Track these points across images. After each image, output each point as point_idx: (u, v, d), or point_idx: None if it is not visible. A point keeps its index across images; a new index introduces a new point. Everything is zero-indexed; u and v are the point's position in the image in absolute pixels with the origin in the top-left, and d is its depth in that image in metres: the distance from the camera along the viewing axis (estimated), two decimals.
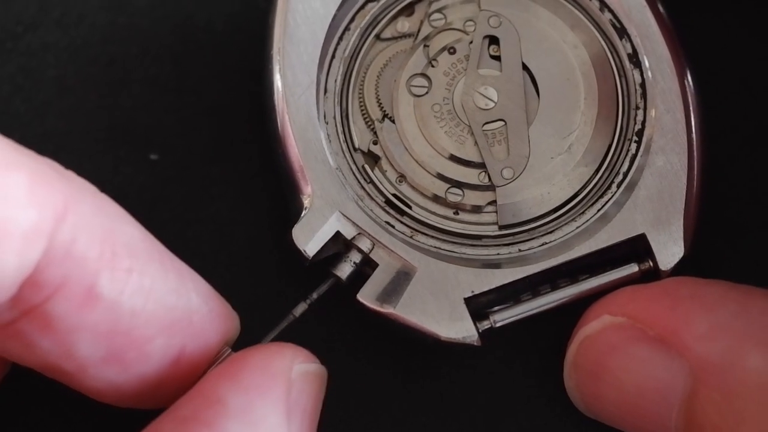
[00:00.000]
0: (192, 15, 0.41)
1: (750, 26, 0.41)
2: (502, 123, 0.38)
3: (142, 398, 0.35)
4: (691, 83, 0.38)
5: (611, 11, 0.39)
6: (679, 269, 0.37)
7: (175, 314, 0.34)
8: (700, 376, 0.30)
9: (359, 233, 0.37)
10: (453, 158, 0.38)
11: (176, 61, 0.41)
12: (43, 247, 0.31)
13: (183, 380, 0.35)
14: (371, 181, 0.38)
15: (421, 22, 0.39)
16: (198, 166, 0.38)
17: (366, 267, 0.37)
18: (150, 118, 0.39)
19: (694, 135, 0.38)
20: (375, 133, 0.39)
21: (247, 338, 0.36)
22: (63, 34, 0.41)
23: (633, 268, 0.37)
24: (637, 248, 0.37)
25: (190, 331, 0.34)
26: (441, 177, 0.38)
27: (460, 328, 0.36)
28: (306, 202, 0.37)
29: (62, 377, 0.34)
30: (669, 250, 0.37)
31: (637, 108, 0.38)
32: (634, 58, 0.39)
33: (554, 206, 0.38)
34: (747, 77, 0.41)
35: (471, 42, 0.39)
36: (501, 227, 0.38)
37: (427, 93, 0.39)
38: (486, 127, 0.38)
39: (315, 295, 0.37)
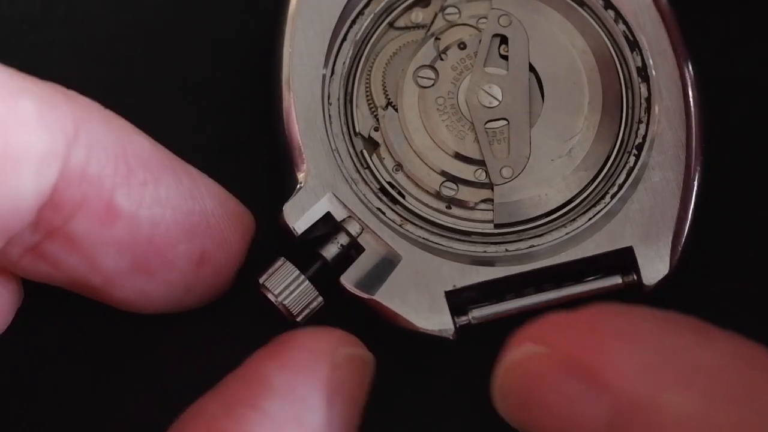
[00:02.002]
0: (197, 14, 0.41)
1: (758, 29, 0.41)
2: (505, 122, 0.38)
3: (171, 303, 0.36)
4: (697, 103, 0.38)
5: (626, 23, 0.39)
6: (664, 285, 0.37)
7: (193, 219, 0.35)
8: (621, 412, 0.30)
9: (349, 216, 0.37)
10: (451, 153, 0.38)
11: (181, 60, 0.41)
12: (58, 170, 0.32)
13: (208, 281, 0.36)
14: (368, 167, 0.38)
15: (435, 15, 0.40)
16: (203, 164, 0.39)
17: (353, 251, 0.37)
18: (154, 117, 0.40)
19: (693, 156, 0.38)
20: (377, 119, 0.39)
21: (252, 329, 0.37)
22: (67, 33, 0.41)
23: (617, 280, 0.37)
24: (624, 261, 0.37)
25: (209, 233, 0.36)
26: (437, 170, 0.38)
27: (438, 321, 0.37)
28: (300, 179, 0.37)
29: (90, 291, 0.36)
30: (654, 266, 0.37)
31: (640, 122, 0.38)
32: (643, 72, 0.39)
33: (550, 209, 0.38)
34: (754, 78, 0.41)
35: (480, 39, 0.39)
36: (495, 226, 0.38)
37: (433, 85, 0.39)
38: (488, 125, 0.38)
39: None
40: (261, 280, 0.36)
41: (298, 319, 0.36)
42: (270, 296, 0.36)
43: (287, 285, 0.36)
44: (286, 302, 0.36)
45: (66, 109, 0.33)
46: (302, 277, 0.37)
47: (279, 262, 0.37)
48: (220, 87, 0.41)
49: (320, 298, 0.37)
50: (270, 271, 0.37)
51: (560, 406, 0.31)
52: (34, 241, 0.33)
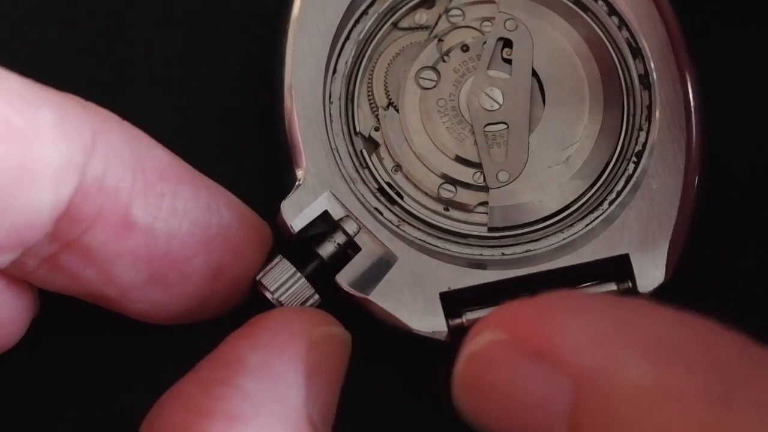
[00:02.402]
0: (198, 15, 0.41)
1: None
2: (504, 126, 0.38)
3: (187, 315, 0.36)
4: (698, 111, 0.38)
5: (629, 30, 0.39)
6: (659, 294, 0.37)
7: (211, 232, 0.35)
8: (580, 389, 0.30)
9: (347, 215, 0.37)
10: (450, 155, 0.38)
11: (182, 61, 0.41)
12: (76, 182, 0.32)
13: (224, 293, 0.36)
14: (367, 167, 0.38)
15: (440, 16, 0.40)
16: (203, 166, 0.39)
17: (349, 250, 0.37)
18: (155, 119, 0.40)
19: (692, 164, 0.38)
20: (378, 119, 0.39)
21: None
22: (69, 34, 0.41)
23: (611, 287, 0.37)
24: (619, 268, 0.37)
25: (226, 246, 0.35)
26: (436, 172, 0.38)
27: (431, 323, 0.37)
28: (299, 176, 0.37)
29: (106, 303, 0.35)
30: (650, 274, 0.37)
31: (641, 129, 0.38)
32: (645, 80, 0.39)
33: (544, 215, 0.38)
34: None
35: (485, 42, 0.39)
36: (489, 229, 0.38)
37: (434, 87, 0.39)
38: (488, 128, 0.38)
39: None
40: (258, 277, 0.36)
41: None
42: (267, 294, 0.36)
43: (283, 282, 0.36)
44: (282, 299, 0.36)
45: (84, 120, 0.33)
46: (299, 274, 0.37)
47: (276, 260, 0.37)
48: (220, 88, 0.41)
49: (316, 296, 0.37)
50: (267, 268, 0.37)
51: (519, 389, 0.30)
52: (50, 252, 0.33)
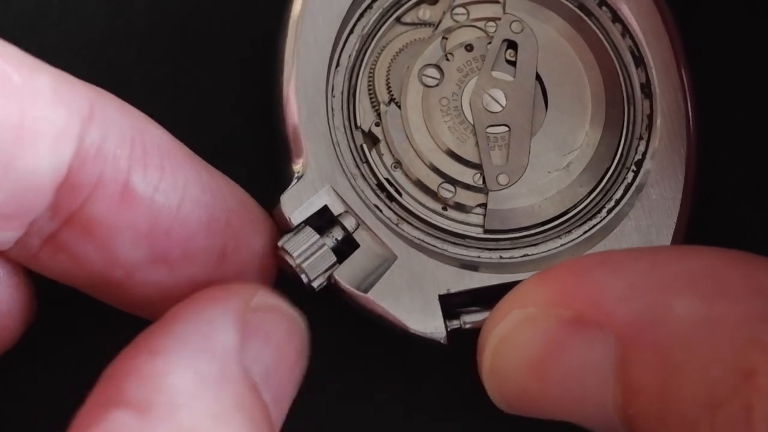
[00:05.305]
0: (191, 17, 0.41)
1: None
2: (506, 129, 0.38)
3: None
4: (699, 123, 0.38)
5: (632, 38, 0.39)
6: None
7: (213, 213, 0.34)
8: (628, 341, 0.29)
9: (346, 211, 0.37)
10: (451, 154, 0.38)
11: (175, 63, 0.40)
12: (74, 147, 0.32)
13: (230, 282, 0.35)
14: (366, 161, 0.38)
15: (444, 14, 0.39)
16: None
17: (347, 247, 0.37)
18: None
19: (692, 175, 0.38)
20: (379, 115, 0.38)
21: None
22: (61, 38, 0.40)
23: None
24: None
25: (229, 230, 0.35)
26: (436, 171, 0.38)
27: (430, 324, 0.36)
28: (299, 170, 0.37)
29: (111, 291, 0.35)
30: None
31: (641, 138, 0.38)
32: (647, 89, 0.39)
33: (542, 220, 0.38)
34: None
35: (489, 42, 0.39)
36: (485, 231, 0.38)
37: (437, 85, 0.38)
38: (489, 129, 0.38)
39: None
40: (280, 243, 0.36)
41: (314, 284, 0.36)
42: (289, 259, 0.36)
43: (307, 248, 0.36)
44: (304, 265, 0.35)
45: (81, 89, 0.33)
46: (322, 241, 0.36)
47: (300, 226, 0.36)
48: (214, 90, 0.40)
49: (338, 266, 0.36)
50: (289, 234, 0.36)
51: (560, 361, 0.30)
52: (52, 228, 0.33)
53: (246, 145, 0.40)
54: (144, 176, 0.33)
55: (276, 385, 0.33)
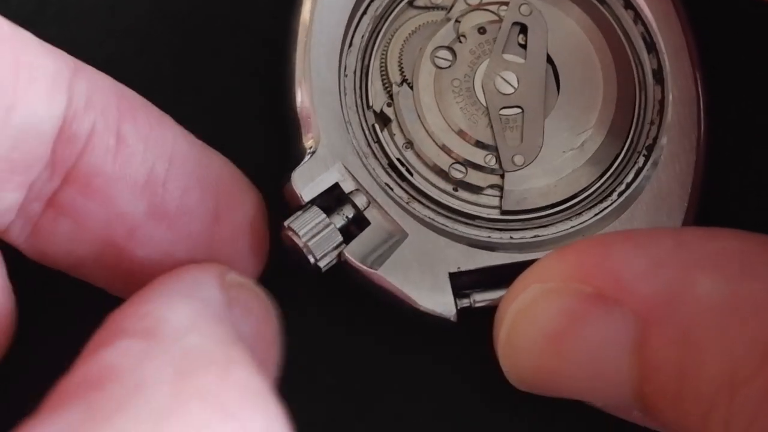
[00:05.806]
0: (190, 13, 0.41)
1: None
2: (519, 110, 0.38)
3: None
4: (709, 109, 0.38)
5: (644, 24, 0.39)
6: None
7: (204, 170, 0.35)
8: (648, 318, 0.29)
9: (357, 189, 0.37)
10: (463, 135, 0.38)
11: (174, 59, 0.40)
12: (67, 96, 0.32)
13: (227, 246, 0.35)
14: (378, 141, 0.38)
15: None
16: None
17: (355, 225, 0.37)
18: None
19: (703, 159, 0.38)
20: (391, 95, 0.38)
21: None
22: (60, 32, 0.40)
23: None
24: None
25: (221, 188, 0.35)
26: (447, 151, 0.38)
27: (440, 301, 0.36)
28: (311, 145, 0.37)
29: (113, 261, 0.34)
30: None
31: (652, 123, 0.38)
32: (659, 75, 0.39)
33: (558, 200, 0.38)
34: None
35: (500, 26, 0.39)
36: (502, 212, 0.38)
37: (450, 66, 0.39)
38: (502, 111, 0.38)
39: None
40: (286, 223, 0.36)
41: (321, 264, 0.36)
42: (295, 239, 0.35)
43: (313, 227, 0.36)
44: (311, 243, 0.35)
45: (63, 54, 0.33)
46: (329, 220, 0.36)
47: (307, 206, 0.36)
48: (214, 86, 0.40)
49: (344, 246, 0.36)
50: (296, 214, 0.36)
51: (578, 337, 0.29)
52: (52, 188, 0.33)
53: (245, 142, 0.40)
54: (134, 128, 0.34)
55: (267, 362, 0.33)
